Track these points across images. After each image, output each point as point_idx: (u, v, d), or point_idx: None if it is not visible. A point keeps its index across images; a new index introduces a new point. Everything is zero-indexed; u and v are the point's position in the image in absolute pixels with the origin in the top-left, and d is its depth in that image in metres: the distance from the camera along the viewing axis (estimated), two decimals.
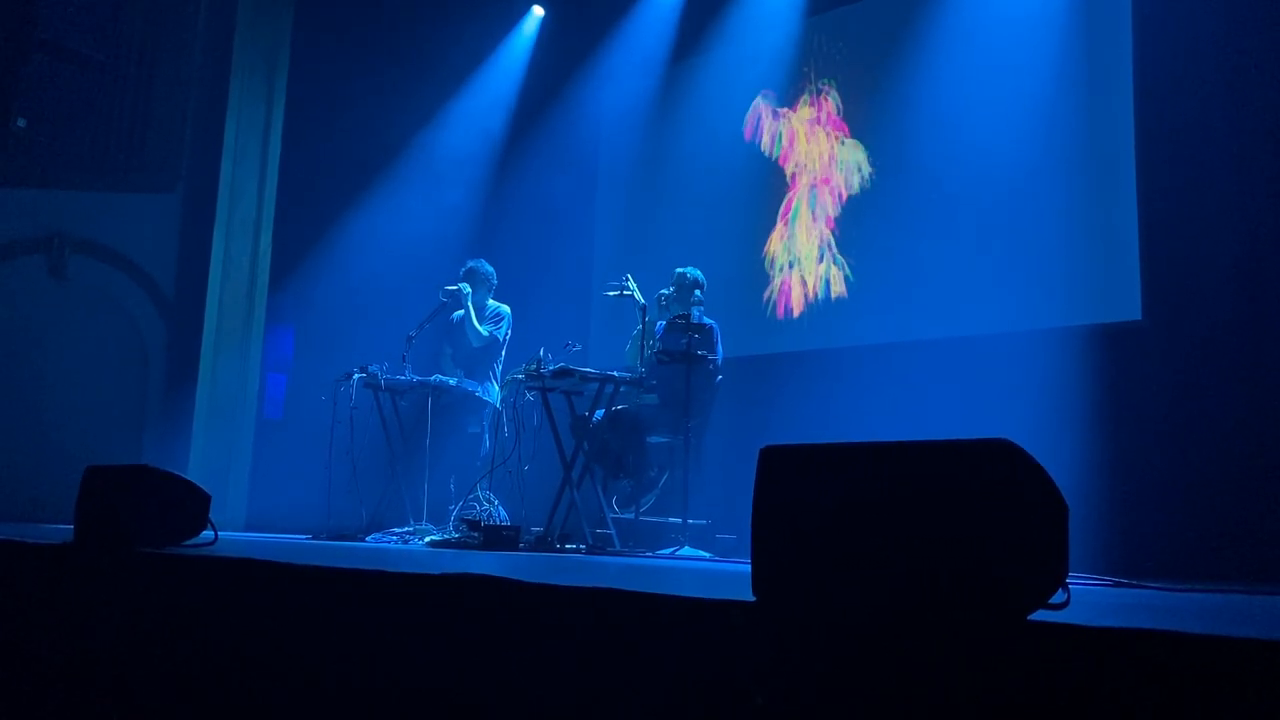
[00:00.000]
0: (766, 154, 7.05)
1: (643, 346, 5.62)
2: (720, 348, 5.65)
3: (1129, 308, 5.23)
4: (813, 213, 6.71)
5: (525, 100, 8.45)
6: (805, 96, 6.90)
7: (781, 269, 6.81)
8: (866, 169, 6.46)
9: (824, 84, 6.82)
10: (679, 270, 5.81)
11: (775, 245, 6.87)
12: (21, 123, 8.24)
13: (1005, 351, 5.50)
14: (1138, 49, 5.37)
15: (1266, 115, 4.81)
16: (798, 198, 6.81)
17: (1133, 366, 5.10)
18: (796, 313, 6.68)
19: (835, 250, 6.54)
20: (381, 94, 8.38)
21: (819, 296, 6.58)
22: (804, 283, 6.67)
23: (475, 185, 8.33)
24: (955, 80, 6.08)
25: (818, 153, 6.76)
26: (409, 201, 8.34)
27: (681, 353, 5.32)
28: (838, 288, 6.48)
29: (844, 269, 6.47)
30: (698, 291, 5.67)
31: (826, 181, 6.67)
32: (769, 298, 6.84)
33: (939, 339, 5.91)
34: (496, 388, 6.16)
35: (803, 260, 6.70)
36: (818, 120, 6.81)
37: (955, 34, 6.12)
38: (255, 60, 8.86)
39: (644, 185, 7.75)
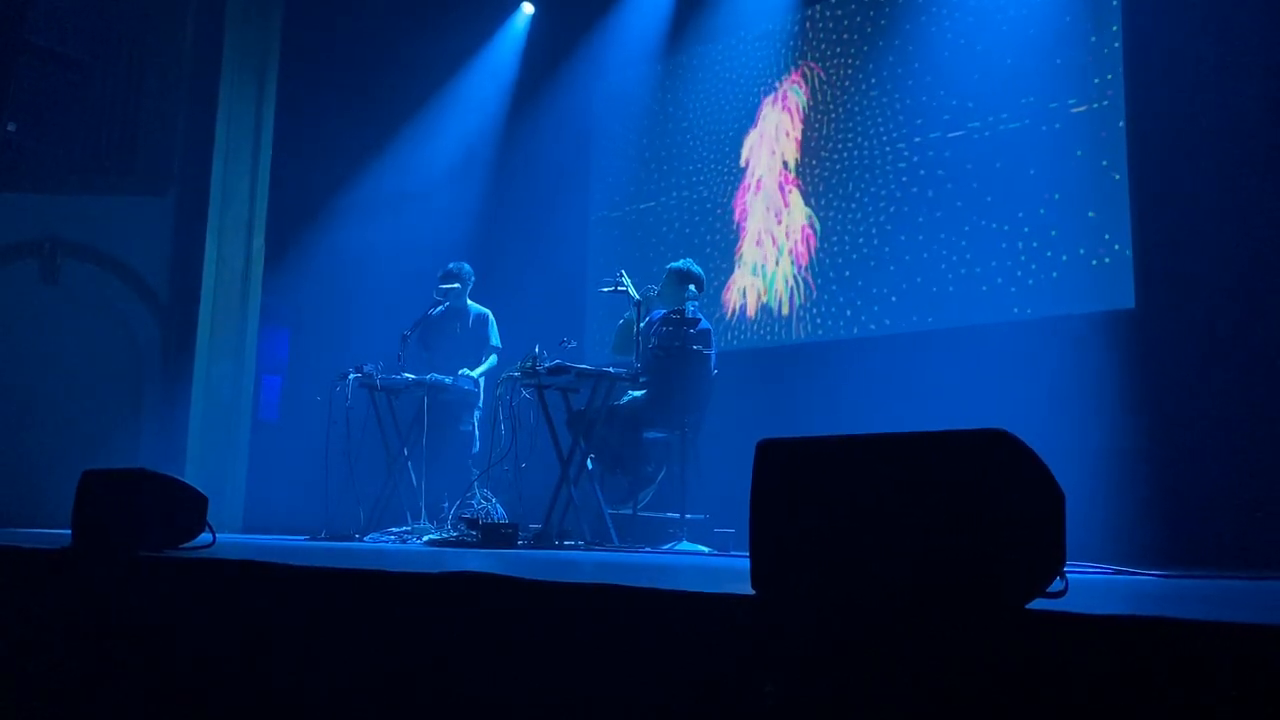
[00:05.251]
0: (759, 147, 7.04)
1: (636, 341, 5.61)
2: (714, 342, 5.64)
3: (1123, 296, 5.23)
4: (806, 205, 6.71)
5: (517, 97, 8.43)
6: (796, 88, 6.89)
7: (777, 262, 6.81)
8: (858, 161, 6.46)
9: (814, 75, 6.81)
10: (670, 265, 5.81)
11: (770, 239, 6.87)
12: (12, 127, 8.22)
13: (1000, 341, 5.51)
14: (1130, 37, 5.37)
15: (1259, 104, 4.81)
16: (791, 191, 6.81)
17: (1127, 354, 5.10)
18: (792, 307, 6.68)
19: (828, 242, 6.54)
20: (371, 94, 8.36)
21: (814, 290, 6.58)
22: (800, 277, 6.67)
23: (468, 183, 8.32)
24: (948, 68, 6.07)
25: (809, 146, 6.75)
26: (401, 201, 8.32)
27: (678, 348, 5.32)
28: (833, 281, 6.48)
29: (837, 261, 6.47)
30: (692, 286, 5.66)
31: (818, 174, 6.67)
32: (765, 291, 6.84)
33: (933, 330, 5.91)
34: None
35: (797, 254, 6.70)
36: (810, 112, 6.80)
37: (947, 21, 6.11)
38: (245, 61, 8.83)
39: (637, 181, 7.74)
